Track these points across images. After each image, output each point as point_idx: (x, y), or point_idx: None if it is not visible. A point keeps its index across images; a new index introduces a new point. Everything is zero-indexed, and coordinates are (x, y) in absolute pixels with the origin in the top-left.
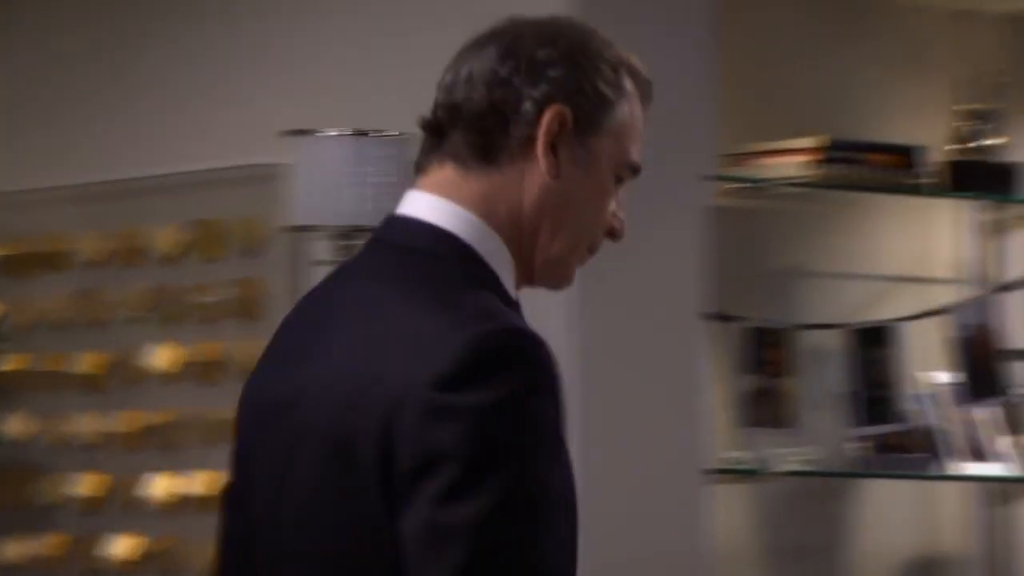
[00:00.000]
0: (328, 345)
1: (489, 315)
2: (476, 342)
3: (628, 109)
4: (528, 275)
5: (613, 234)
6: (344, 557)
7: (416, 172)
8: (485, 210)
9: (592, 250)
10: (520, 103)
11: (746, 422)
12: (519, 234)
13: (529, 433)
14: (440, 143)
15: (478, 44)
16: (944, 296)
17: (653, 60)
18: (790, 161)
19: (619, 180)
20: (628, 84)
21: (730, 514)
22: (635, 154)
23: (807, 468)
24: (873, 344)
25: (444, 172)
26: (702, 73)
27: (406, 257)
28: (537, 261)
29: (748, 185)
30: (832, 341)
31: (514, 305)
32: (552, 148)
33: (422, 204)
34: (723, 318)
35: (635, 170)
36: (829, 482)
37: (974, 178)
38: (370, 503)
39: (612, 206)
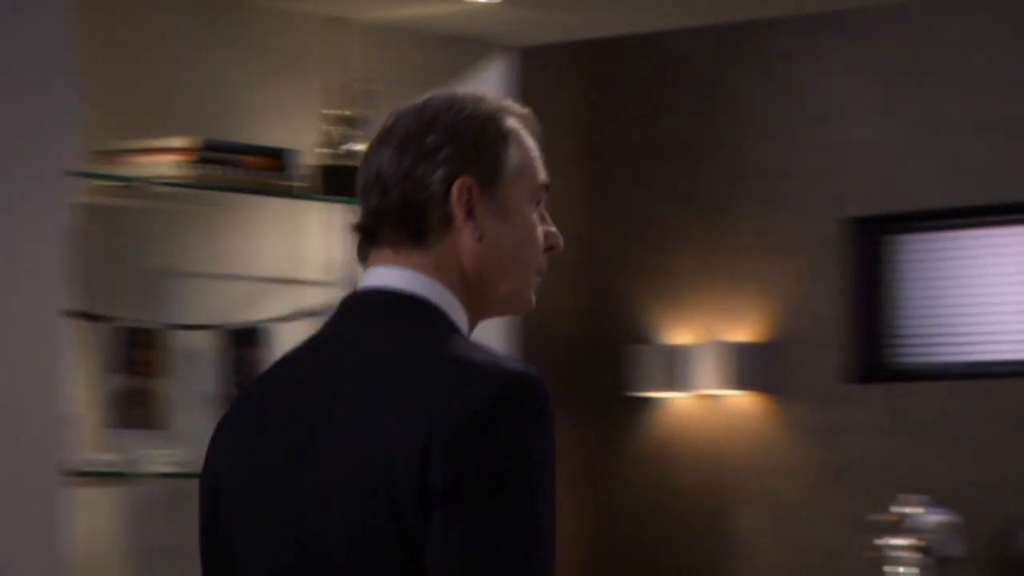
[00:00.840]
0: (338, 406)
1: (499, 359)
2: (507, 381)
3: (518, 147)
4: (485, 314)
5: (552, 249)
6: None
7: (361, 262)
8: (435, 275)
9: (540, 273)
10: (429, 189)
11: (115, 423)
12: (468, 290)
13: (542, 461)
14: (375, 239)
15: (377, 144)
16: (315, 298)
17: (8, 54)
18: (163, 160)
19: (538, 203)
20: (509, 124)
21: (96, 516)
22: (541, 176)
23: (177, 470)
24: (246, 345)
25: (385, 255)
26: (61, 67)
27: (388, 321)
28: (493, 304)
29: (119, 184)
30: (205, 342)
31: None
32: (470, 214)
33: (387, 276)
34: (91, 317)
35: (547, 188)
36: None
37: (343, 182)
38: (400, 545)
39: (540, 229)
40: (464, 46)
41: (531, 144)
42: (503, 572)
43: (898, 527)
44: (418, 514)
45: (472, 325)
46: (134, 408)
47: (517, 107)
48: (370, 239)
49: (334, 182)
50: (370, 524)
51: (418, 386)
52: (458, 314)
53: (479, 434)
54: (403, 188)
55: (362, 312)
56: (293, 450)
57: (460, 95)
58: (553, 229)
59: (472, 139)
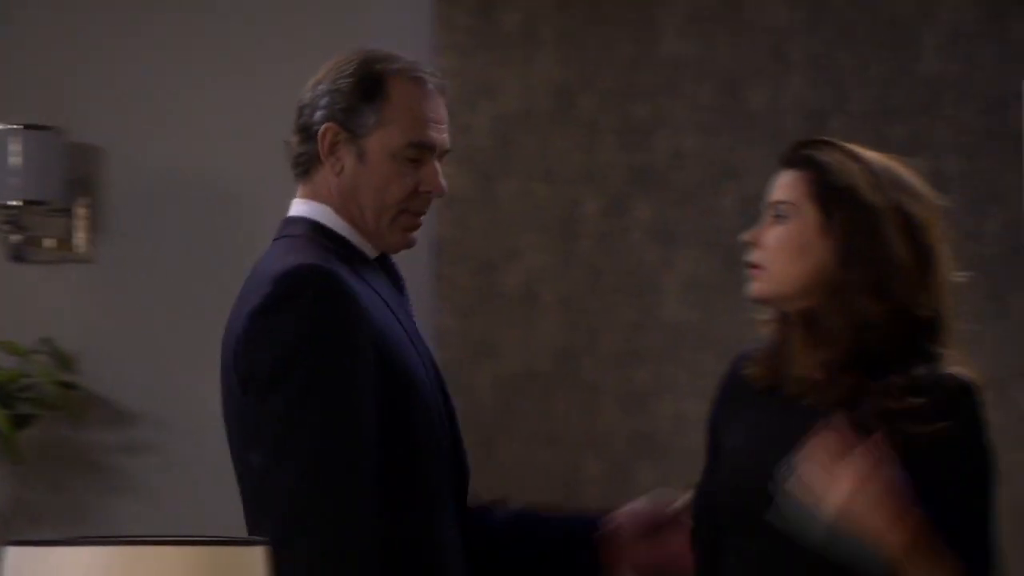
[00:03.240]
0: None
1: (287, 259)
2: (277, 278)
3: (391, 107)
4: (376, 244)
5: (432, 193)
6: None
7: None
8: (314, 199)
9: (415, 213)
10: (309, 128)
11: None
12: (347, 215)
13: (320, 348)
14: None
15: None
16: None
17: None
18: None
19: (414, 160)
20: (391, 85)
21: None
22: (411, 136)
23: None
24: None
25: (299, 187)
26: None
27: (278, 240)
28: (369, 234)
29: None
30: None
31: (360, 258)
32: (331, 153)
33: (293, 205)
34: None
35: (421, 146)
36: None
37: None
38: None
39: (412, 179)
40: None
41: (419, 107)
42: (290, 455)
43: None
44: (242, 402)
45: (380, 249)
46: None
47: (420, 71)
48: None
49: None
50: (229, 410)
51: (242, 292)
52: (350, 233)
53: (256, 331)
54: (299, 127)
55: (275, 240)
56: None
57: (371, 53)
58: (433, 181)
59: (347, 92)
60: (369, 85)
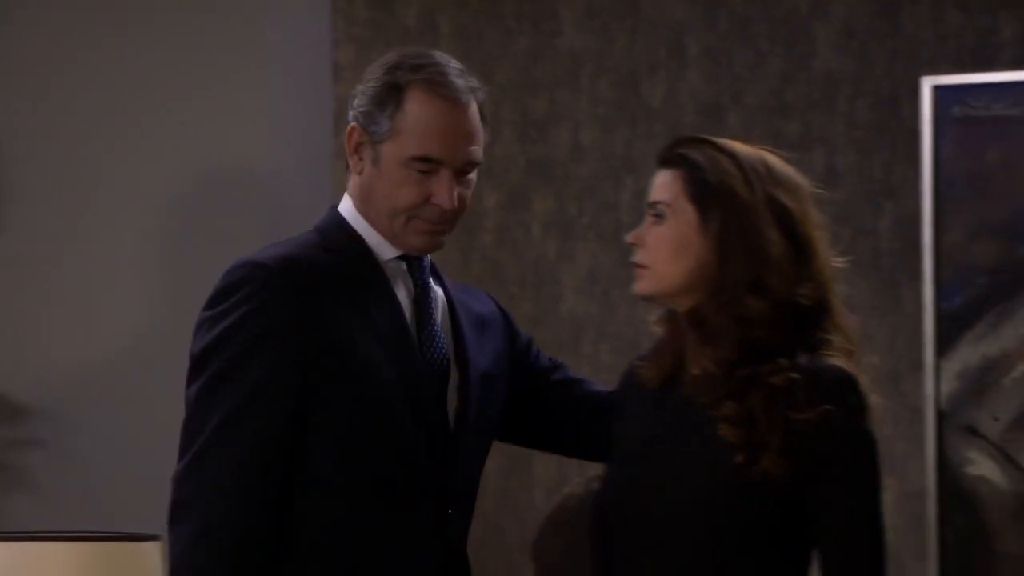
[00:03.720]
0: None
1: (258, 254)
2: (228, 272)
3: (406, 118)
4: (393, 241)
5: (442, 208)
6: None
7: None
8: (352, 196)
9: (427, 221)
10: (347, 129)
11: None
12: (364, 213)
13: (241, 346)
14: None
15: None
16: None
17: None
18: None
19: (424, 172)
20: (412, 97)
21: None
22: (416, 149)
23: None
24: None
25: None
26: None
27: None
28: (384, 232)
29: None
30: None
31: (370, 259)
32: (355, 153)
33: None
34: None
35: (427, 160)
36: None
37: None
38: None
39: (423, 188)
40: None
41: (431, 121)
42: (184, 445)
43: None
44: None
45: (402, 250)
46: None
47: (444, 81)
48: None
49: None
50: None
51: None
52: (368, 232)
53: (200, 321)
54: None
55: None
56: None
57: (403, 58)
58: (444, 196)
59: (373, 97)
60: (388, 93)
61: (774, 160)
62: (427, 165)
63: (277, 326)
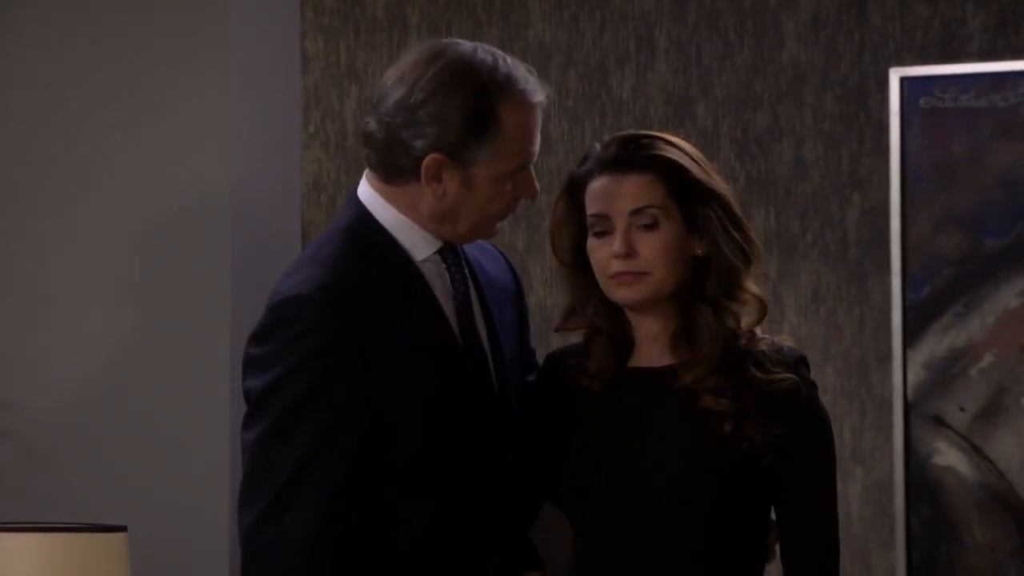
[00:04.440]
0: None
1: (296, 277)
2: (272, 305)
3: (498, 135)
4: (459, 239)
5: (528, 198)
6: None
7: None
8: (395, 205)
9: (501, 217)
10: (410, 152)
11: None
12: (432, 223)
13: (294, 387)
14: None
15: (394, 77)
16: None
17: None
18: None
19: (519, 169)
20: (501, 109)
21: None
22: (522, 158)
23: None
24: None
25: (370, 173)
26: None
27: (333, 225)
28: (460, 235)
29: None
30: None
31: (404, 258)
32: (435, 179)
33: (362, 184)
34: None
35: (524, 167)
36: None
37: None
38: None
39: (512, 192)
40: None
41: (530, 132)
42: (249, 492)
43: None
44: None
45: (450, 242)
46: None
47: (528, 88)
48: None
49: None
50: None
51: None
52: (408, 232)
53: (248, 357)
54: (388, 135)
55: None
56: None
57: (478, 73)
58: (527, 187)
59: (459, 126)
60: (482, 119)
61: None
62: (522, 172)
63: (340, 365)
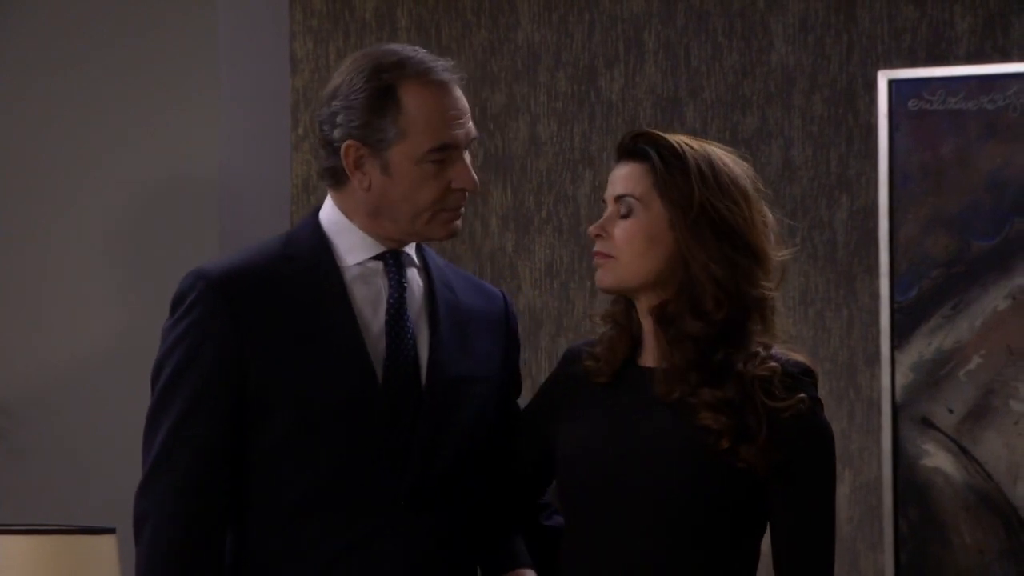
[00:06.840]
0: None
1: (221, 260)
2: (180, 281)
3: (406, 116)
4: (412, 238)
5: (464, 190)
6: None
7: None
8: (340, 205)
9: (452, 209)
10: (332, 144)
11: None
12: (378, 220)
13: (176, 358)
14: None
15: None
16: None
17: None
18: None
19: (440, 161)
20: (404, 92)
21: None
22: (437, 138)
23: None
24: None
25: (331, 193)
26: None
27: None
28: (410, 233)
29: None
30: None
31: (316, 263)
32: (358, 168)
33: (325, 202)
34: None
35: (444, 148)
36: None
37: None
38: None
39: (442, 179)
40: None
41: (435, 110)
42: (145, 460)
43: None
44: None
45: (401, 244)
46: None
47: (430, 69)
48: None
49: None
50: None
51: None
52: (348, 235)
53: (162, 332)
54: (321, 137)
55: None
56: None
57: (379, 59)
58: (464, 177)
59: (362, 108)
60: (381, 98)
61: (720, 161)
62: (442, 154)
63: (213, 336)
